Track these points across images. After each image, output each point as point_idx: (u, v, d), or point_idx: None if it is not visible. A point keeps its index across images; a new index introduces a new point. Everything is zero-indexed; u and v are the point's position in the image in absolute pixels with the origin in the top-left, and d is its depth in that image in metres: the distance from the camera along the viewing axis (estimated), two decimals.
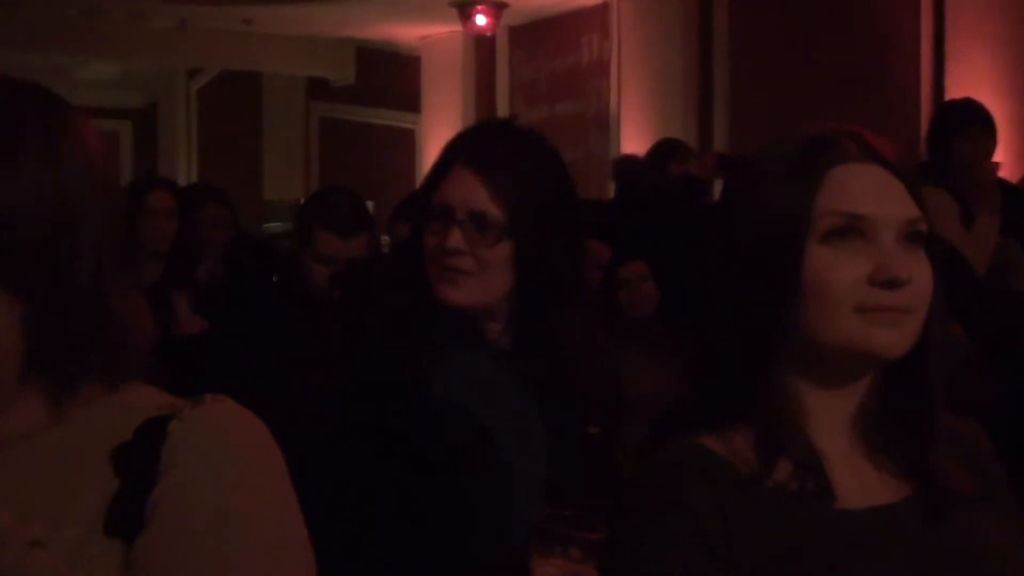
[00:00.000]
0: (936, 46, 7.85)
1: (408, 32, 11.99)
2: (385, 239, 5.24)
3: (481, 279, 2.09)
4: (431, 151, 12.13)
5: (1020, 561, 1.56)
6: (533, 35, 11.19)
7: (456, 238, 2.09)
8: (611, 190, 7.58)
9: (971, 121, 5.22)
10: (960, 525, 1.54)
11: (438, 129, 11.64)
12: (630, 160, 7.29)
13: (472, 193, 2.09)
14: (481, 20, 10.65)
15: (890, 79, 8.15)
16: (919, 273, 1.51)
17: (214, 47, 12.42)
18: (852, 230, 1.51)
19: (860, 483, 1.54)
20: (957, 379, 4.06)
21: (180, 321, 4.62)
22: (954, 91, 7.18)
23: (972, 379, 4.06)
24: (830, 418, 1.55)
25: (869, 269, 1.49)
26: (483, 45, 11.58)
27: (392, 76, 12.73)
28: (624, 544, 1.48)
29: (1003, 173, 6.26)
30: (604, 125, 10.34)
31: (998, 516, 1.58)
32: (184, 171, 14.35)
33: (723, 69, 9.41)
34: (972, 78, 7.35)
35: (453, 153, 2.15)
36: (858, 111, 8.25)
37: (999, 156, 6.30)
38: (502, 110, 11.42)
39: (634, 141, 9.30)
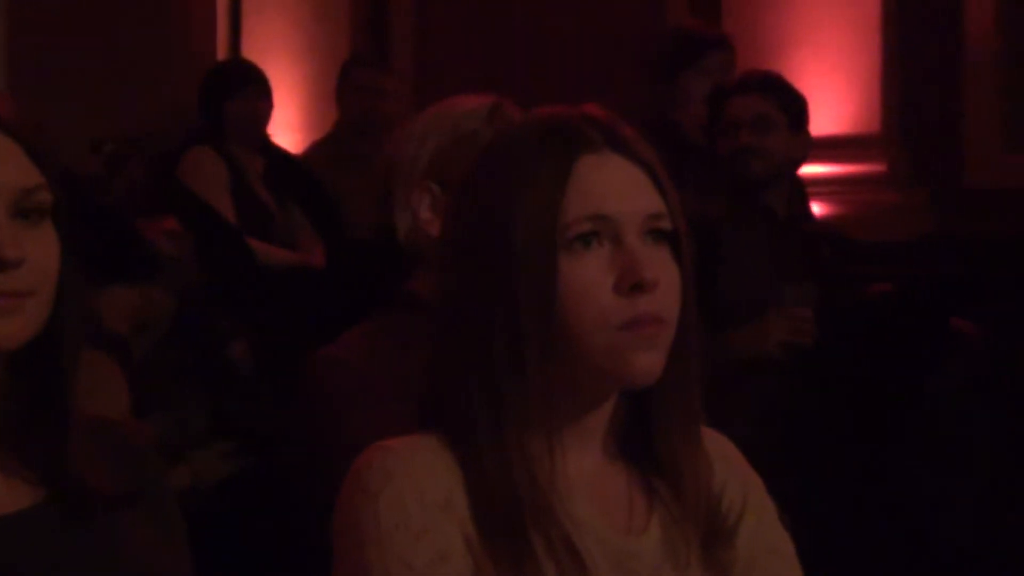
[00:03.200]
0: (232, 8, 7.91)
1: None
2: None
3: None
4: None
5: (168, 562, 1.54)
6: None
7: None
8: None
9: (244, 82, 5.35)
10: (103, 528, 1.49)
11: None
12: None
13: None
14: None
15: (186, 41, 8.12)
16: (35, 250, 1.43)
17: None
18: None
19: None
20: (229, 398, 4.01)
21: None
22: (250, 53, 7.26)
23: (245, 399, 4.05)
24: None
25: None
26: None
27: None
28: None
29: (292, 138, 6.40)
30: None
31: (148, 516, 1.54)
32: None
33: None
34: (268, 40, 7.46)
35: None
36: (155, 74, 8.17)
37: (292, 119, 6.44)
38: None
39: None
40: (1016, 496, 2.28)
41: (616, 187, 1.47)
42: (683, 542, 1.50)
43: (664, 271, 1.46)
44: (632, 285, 1.44)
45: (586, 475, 1.49)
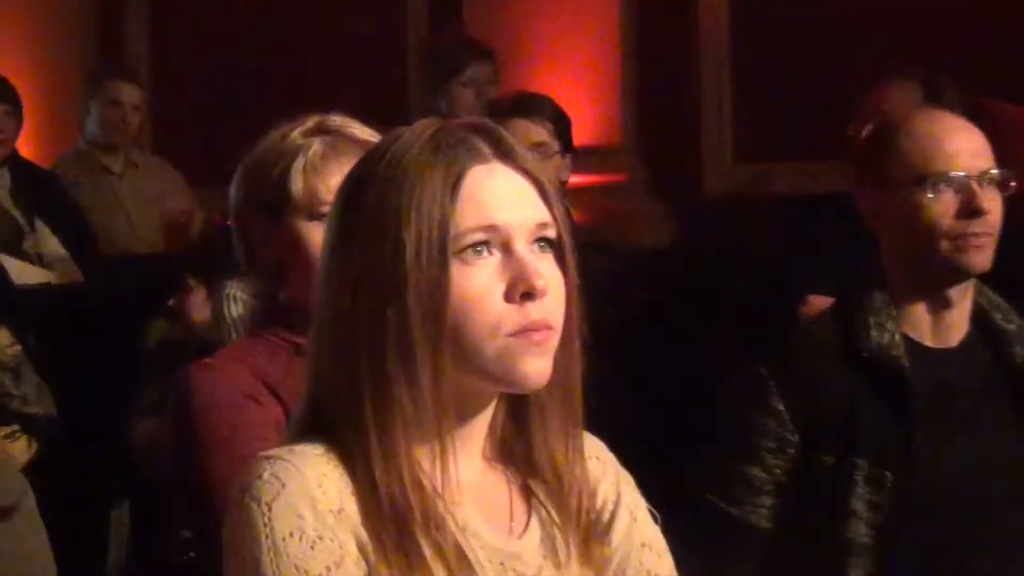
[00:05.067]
0: None
1: None
2: None
3: None
4: None
5: (38, 570, 1.54)
6: None
7: None
8: None
9: None
10: None
11: None
12: None
13: None
14: None
15: None
16: None
17: None
18: None
19: None
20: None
21: None
22: None
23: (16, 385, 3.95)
24: None
25: None
26: None
27: None
28: None
29: (34, 153, 6.25)
30: None
31: (13, 529, 1.52)
32: None
33: None
34: None
35: None
36: None
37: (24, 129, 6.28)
38: None
39: None
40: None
41: (505, 197, 1.51)
42: (562, 541, 1.56)
43: (552, 278, 1.51)
44: (523, 293, 1.48)
45: (470, 480, 1.53)
